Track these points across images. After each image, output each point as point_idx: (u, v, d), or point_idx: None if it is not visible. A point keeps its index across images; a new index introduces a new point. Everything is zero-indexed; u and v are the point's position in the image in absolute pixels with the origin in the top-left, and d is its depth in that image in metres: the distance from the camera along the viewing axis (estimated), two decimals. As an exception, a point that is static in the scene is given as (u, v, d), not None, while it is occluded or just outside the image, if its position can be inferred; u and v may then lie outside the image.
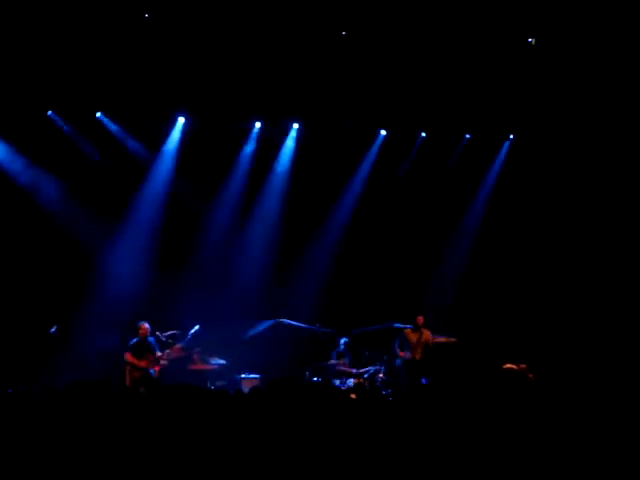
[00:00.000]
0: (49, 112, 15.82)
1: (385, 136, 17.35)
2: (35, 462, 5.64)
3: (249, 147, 16.87)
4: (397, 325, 16.16)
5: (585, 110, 16.28)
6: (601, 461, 5.80)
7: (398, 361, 15.94)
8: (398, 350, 15.93)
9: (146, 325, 14.43)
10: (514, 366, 12.78)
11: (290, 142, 17.11)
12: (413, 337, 15.96)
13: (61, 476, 5.58)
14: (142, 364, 14.15)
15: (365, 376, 15.40)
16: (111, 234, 16.21)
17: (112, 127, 16.20)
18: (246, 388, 12.97)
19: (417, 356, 15.83)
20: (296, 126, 17.04)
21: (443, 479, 5.80)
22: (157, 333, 14.58)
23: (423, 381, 14.78)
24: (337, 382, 14.90)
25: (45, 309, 15.37)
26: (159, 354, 14.36)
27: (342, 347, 15.91)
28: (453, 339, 16.09)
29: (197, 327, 15.02)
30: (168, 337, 14.60)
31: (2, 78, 14.62)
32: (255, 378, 15.13)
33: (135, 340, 14.34)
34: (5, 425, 6.15)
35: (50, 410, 6.46)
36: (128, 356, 14.24)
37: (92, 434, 5.92)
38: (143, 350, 14.27)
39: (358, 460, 5.90)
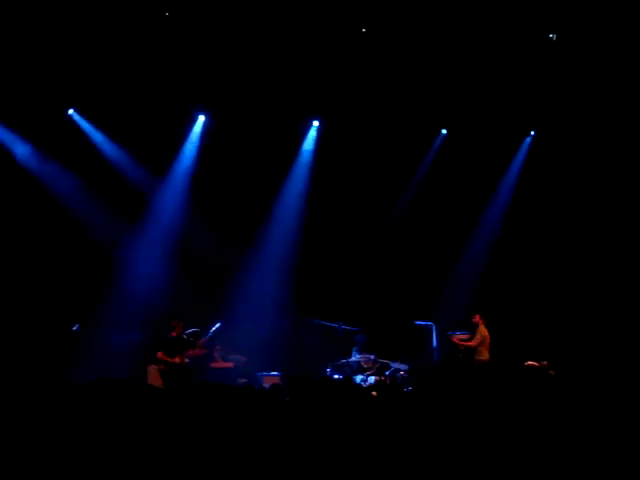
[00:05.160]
0: (70, 110, 15.97)
1: (406, 133, 17.33)
2: (57, 458, 5.68)
3: (270, 142, 16.88)
4: (418, 323, 16.12)
5: (607, 105, 16.18)
6: (620, 456, 5.78)
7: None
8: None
9: (182, 324, 14.38)
10: (535, 363, 12.77)
11: (311, 138, 17.14)
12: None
13: (85, 472, 5.62)
14: (176, 361, 14.08)
15: (386, 373, 15.36)
16: (132, 232, 16.27)
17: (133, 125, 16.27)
18: (267, 385, 12.99)
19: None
20: (316, 124, 17.06)
21: (464, 475, 5.80)
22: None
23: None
24: (358, 379, 14.89)
25: (67, 307, 15.48)
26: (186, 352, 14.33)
27: (364, 344, 15.88)
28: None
29: (218, 324, 15.06)
30: (189, 335, 14.61)
31: (23, 76, 14.73)
32: (276, 375, 15.15)
33: (168, 338, 14.25)
34: (30, 420, 6.19)
35: (74, 407, 6.50)
36: (161, 355, 14.10)
37: (115, 431, 5.96)
38: (176, 348, 14.19)
39: (379, 456, 5.90)
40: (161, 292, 15.72)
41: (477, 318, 15.56)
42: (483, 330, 15.45)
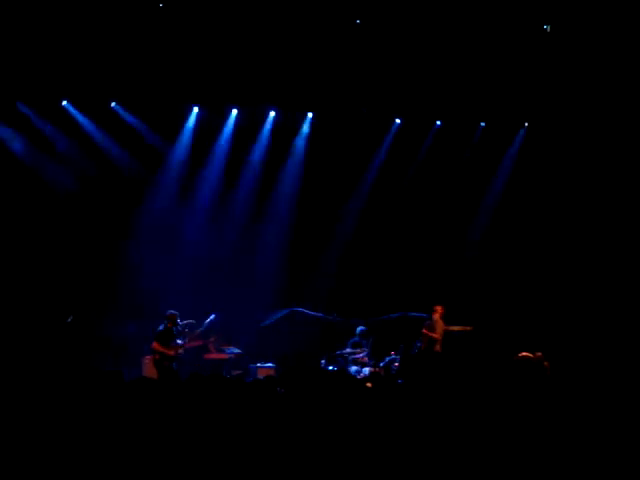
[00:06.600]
0: (64, 102, 15.94)
1: (400, 125, 17.30)
2: (51, 449, 5.68)
3: (263, 136, 16.86)
4: (412, 314, 16.12)
5: (600, 97, 16.18)
6: (615, 448, 5.79)
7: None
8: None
9: (176, 315, 14.34)
10: (530, 354, 12.79)
11: (304, 131, 17.11)
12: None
13: (81, 464, 5.62)
14: (171, 352, 14.02)
15: (381, 365, 15.37)
16: (128, 224, 16.25)
17: (127, 117, 16.25)
18: (261, 377, 12.99)
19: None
20: (310, 115, 17.04)
21: (458, 467, 5.80)
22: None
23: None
24: (353, 371, 14.90)
25: (63, 299, 15.47)
26: (180, 343, 14.27)
27: (358, 336, 15.88)
28: (469, 327, 16.04)
29: (213, 316, 15.06)
30: (184, 326, 14.58)
31: (17, 67, 14.70)
32: (270, 367, 15.16)
33: (162, 328, 14.17)
34: (26, 412, 6.18)
35: (66, 399, 6.50)
36: (156, 345, 14.02)
37: (108, 423, 5.96)
38: (170, 339, 14.14)
39: (373, 448, 5.90)
40: (157, 284, 15.69)
41: (438, 309, 15.58)
42: (439, 321, 15.47)
